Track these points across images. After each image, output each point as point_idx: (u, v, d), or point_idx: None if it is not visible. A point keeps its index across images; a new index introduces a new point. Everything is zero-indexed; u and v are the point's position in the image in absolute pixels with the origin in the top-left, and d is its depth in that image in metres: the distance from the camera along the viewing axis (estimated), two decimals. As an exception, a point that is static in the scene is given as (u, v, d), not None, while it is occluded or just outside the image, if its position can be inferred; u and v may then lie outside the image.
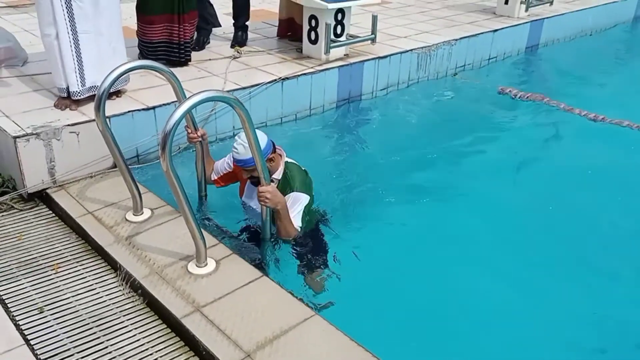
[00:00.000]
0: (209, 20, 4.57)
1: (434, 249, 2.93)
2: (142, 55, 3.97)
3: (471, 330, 2.42)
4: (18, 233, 2.67)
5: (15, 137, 2.78)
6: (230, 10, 4.65)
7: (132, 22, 4.00)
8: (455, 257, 2.86)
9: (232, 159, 2.74)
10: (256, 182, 2.61)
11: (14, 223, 2.75)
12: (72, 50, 3.02)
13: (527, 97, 4.99)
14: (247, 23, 4.66)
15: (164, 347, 2.05)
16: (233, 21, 4.64)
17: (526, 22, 6.01)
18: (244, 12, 4.60)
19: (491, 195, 3.46)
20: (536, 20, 6.12)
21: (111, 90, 3.15)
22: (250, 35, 4.76)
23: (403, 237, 3.03)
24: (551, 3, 6.38)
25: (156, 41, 3.87)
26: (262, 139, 2.57)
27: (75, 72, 3.06)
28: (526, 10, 6.09)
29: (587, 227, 3.19)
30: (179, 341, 2.08)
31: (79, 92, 3.11)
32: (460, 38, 5.28)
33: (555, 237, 3.09)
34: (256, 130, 2.40)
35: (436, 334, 2.37)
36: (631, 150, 4.15)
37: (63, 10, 2.93)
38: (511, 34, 5.85)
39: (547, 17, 6.25)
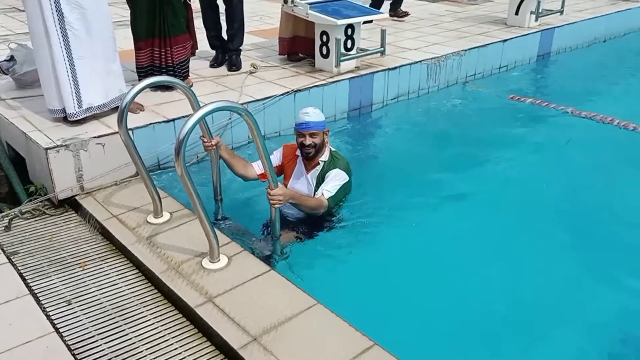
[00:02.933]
0: (227, 39, 4.78)
1: (444, 252, 3.00)
2: (139, 79, 4.05)
3: (475, 325, 2.50)
4: (49, 235, 2.91)
5: (46, 149, 3.03)
6: (251, 28, 4.82)
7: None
8: (464, 259, 2.94)
9: (281, 152, 3.19)
10: (313, 152, 3.03)
11: (46, 227, 3.00)
12: (68, 75, 3.21)
13: (538, 103, 5.10)
14: (240, 47, 4.74)
15: (180, 334, 2.24)
16: (228, 44, 4.69)
17: (537, 32, 6.14)
18: (239, 36, 4.68)
19: (502, 201, 3.54)
20: (547, 29, 6.24)
21: (108, 108, 3.44)
22: (265, 51, 4.99)
23: (412, 241, 3.12)
24: (561, 12, 6.49)
25: (145, 65, 3.98)
26: (321, 115, 3.06)
27: (72, 94, 3.25)
28: (536, 20, 6.22)
29: (600, 230, 3.25)
30: (193, 328, 2.27)
31: (75, 114, 3.29)
32: (470, 48, 5.43)
33: (569, 241, 3.14)
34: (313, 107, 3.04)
35: (436, 325, 2.49)
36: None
37: (58, 36, 3.13)
38: (521, 44, 5.98)
39: (558, 26, 6.36)
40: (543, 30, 6.20)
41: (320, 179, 3.07)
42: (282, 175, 3.22)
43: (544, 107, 5.04)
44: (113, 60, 3.47)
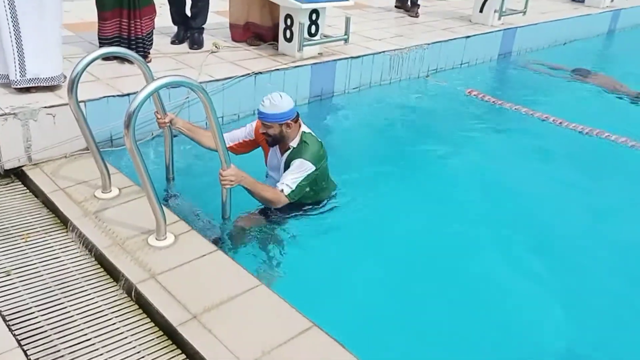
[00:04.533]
0: (190, 16, 4.73)
1: (391, 245, 3.03)
2: None
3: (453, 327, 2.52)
4: (-8, 205, 2.84)
5: (-7, 116, 2.95)
6: (217, 8, 4.78)
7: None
8: (411, 252, 2.98)
9: (253, 126, 3.08)
10: (271, 141, 2.94)
11: (-11, 196, 2.93)
12: (11, 40, 3.10)
13: (493, 101, 5.22)
14: (203, 26, 4.69)
15: (120, 310, 2.23)
16: (191, 21, 4.63)
17: (499, 30, 6.26)
18: (203, 13, 4.62)
19: (451, 194, 3.60)
20: (509, 28, 6.37)
21: (57, 83, 3.32)
22: (229, 32, 4.94)
23: (360, 229, 3.14)
24: (524, 13, 6.62)
25: (110, 37, 3.91)
26: (289, 103, 2.88)
27: (14, 62, 3.15)
28: (499, 18, 6.33)
29: (550, 226, 3.35)
30: (133, 304, 2.26)
31: (17, 82, 3.19)
32: (433, 42, 5.51)
33: (522, 236, 3.20)
34: (283, 94, 2.89)
35: (377, 313, 2.55)
36: (585, 153, 4.38)
37: (5, 5, 3.03)
38: (484, 41, 6.10)
39: (520, 26, 6.50)
40: (505, 29, 6.33)
41: (287, 167, 2.97)
42: (263, 155, 3.16)
43: (500, 105, 5.16)
44: (59, 29, 3.32)
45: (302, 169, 2.89)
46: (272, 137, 2.91)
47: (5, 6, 3.05)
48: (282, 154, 3.02)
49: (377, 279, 2.75)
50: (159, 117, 2.97)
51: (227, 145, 2.99)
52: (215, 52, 4.51)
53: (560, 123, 4.82)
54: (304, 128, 3.00)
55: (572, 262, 3.03)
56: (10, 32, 3.10)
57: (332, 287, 2.64)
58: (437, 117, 5.01)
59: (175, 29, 4.72)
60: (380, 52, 5.00)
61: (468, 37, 5.87)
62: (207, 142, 3.05)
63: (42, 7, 3.14)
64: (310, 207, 3.09)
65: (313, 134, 3.02)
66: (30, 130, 3.07)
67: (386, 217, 3.31)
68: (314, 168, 2.91)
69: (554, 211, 3.51)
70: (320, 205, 3.16)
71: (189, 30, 4.65)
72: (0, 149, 3.00)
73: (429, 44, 5.43)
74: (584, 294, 2.80)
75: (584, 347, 2.50)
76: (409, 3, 6.77)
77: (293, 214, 3.05)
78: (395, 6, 6.91)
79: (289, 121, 2.87)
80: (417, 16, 6.57)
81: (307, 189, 2.96)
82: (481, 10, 6.37)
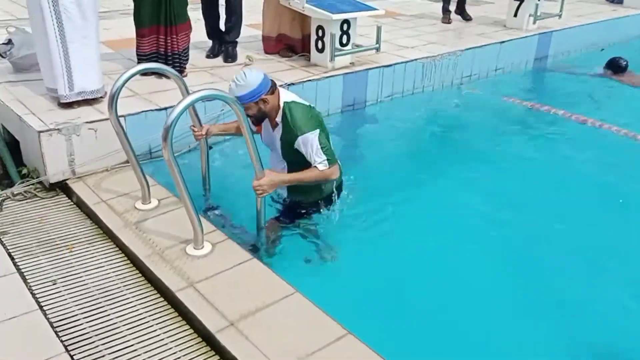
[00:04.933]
0: (224, 31, 4.84)
1: (430, 252, 3.02)
2: None
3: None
4: (39, 217, 2.96)
5: (39, 132, 3.09)
6: (250, 21, 4.88)
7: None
8: (451, 260, 2.97)
9: None
10: (255, 121, 2.83)
11: (37, 209, 3.05)
12: (60, 57, 3.27)
13: (530, 105, 5.15)
14: (237, 39, 4.78)
15: (160, 317, 2.30)
16: (225, 36, 4.74)
17: (534, 35, 6.18)
18: (237, 28, 4.72)
19: (490, 202, 3.54)
20: (545, 32, 6.28)
21: (92, 97, 3.49)
22: (261, 45, 5.03)
23: (398, 239, 3.13)
24: (560, 16, 6.52)
25: (148, 53, 4.05)
26: (257, 78, 2.69)
27: (64, 77, 3.32)
28: (534, 22, 6.25)
29: (590, 234, 3.26)
30: (173, 312, 2.32)
31: (65, 96, 3.36)
32: (466, 49, 5.48)
33: (561, 243, 3.14)
34: (248, 70, 2.71)
35: (412, 320, 2.53)
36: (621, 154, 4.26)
37: (52, 18, 3.21)
38: (519, 46, 6.03)
39: (556, 30, 6.40)
40: (541, 33, 6.24)
41: (288, 146, 2.83)
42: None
43: (537, 110, 5.09)
44: (98, 46, 3.50)
45: (309, 141, 2.74)
46: (254, 117, 2.79)
47: (53, 23, 3.23)
48: (273, 130, 2.91)
49: (413, 286, 2.75)
50: (196, 130, 3.05)
51: (254, 130, 2.92)
52: (248, 64, 4.61)
53: (600, 126, 4.71)
54: (285, 97, 2.82)
55: (621, 277, 2.94)
56: (59, 48, 3.28)
57: (366, 295, 2.65)
58: (472, 123, 4.97)
59: (210, 43, 4.85)
60: (412, 60, 5.00)
61: (502, 42, 5.81)
62: (237, 132, 3.06)
63: (86, 23, 3.32)
64: (342, 208, 3.09)
65: (297, 100, 2.85)
66: (73, 145, 3.20)
67: (420, 225, 3.28)
68: (316, 131, 2.76)
69: (597, 220, 3.43)
70: (351, 207, 3.17)
71: (224, 44, 4.76)
72: (46, 164, 3.13)
73: (462, 51, 5.41)
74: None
75: None
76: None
77: (324, 219, 3.08)
78: (455, 12, 6.83)
79: (263, 96, 2.72)
80: (470, 19, 6.57)
81: (326, 143, 2.81)
82: (515, 15, 6.31)
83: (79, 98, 3.42)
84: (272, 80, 2.79)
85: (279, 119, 2.83)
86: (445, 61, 5.26)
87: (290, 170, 2.90)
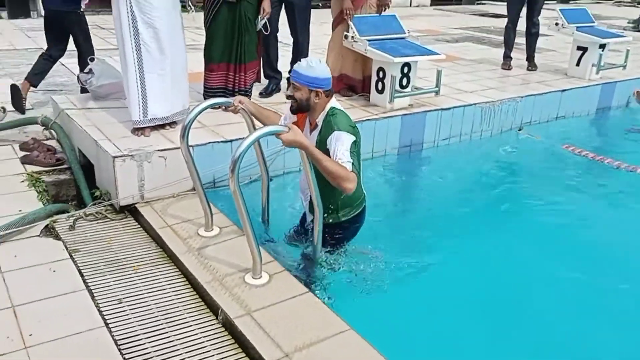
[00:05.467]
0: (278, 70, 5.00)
1: (483, 296, 3.02)
2: (205, 98, 4.29)
3: None
4: (108, 238, 3.13)
5: (114, 157, 3.29)
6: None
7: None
8: (505, 303, 2.96)
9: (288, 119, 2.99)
10: (295, 107, 2.82)
11: (106, 230, 3.23)
12: (137, 86, 3.56)
13: (592, 156, 5.05)
14: None
15: (218, 343, 2.37)
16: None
17: (597, 84, 6.10)
18: None
19: (545, 257, 3.46)
20: (608, 83, 6.19)
21: (170, 121, 3.75)
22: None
23: (450, 279, 3.14)
24: (624, 67, 6.42)
25: (215, 87, 4.27)
26: (326, 72, 2.76)
27: (139, 104, 3.59)
28: (597, 72, 6.18)
29: None
30: (230, 339, 2.39)
31: (139, 122, 3.62)
32: (527, 95, 5.47)
33: (614, 300, 3.07)
34: (323, 61, 2.78)
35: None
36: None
37: (133, 51, 3.51)
38: (580, 95, 5.96)
39: (620, 81, 6.30)
40: (604, 83, 6.16)
41: (323, 140, 2.76)
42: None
43: (598, 161, 4.99)
44: (181, 79, 3.77)
45: (342, 138, 2.66)
46: (297, 102, 2.79)
47: (134, 55, 3.51)
48: (311, 133, 2.89)
49: (469, 327, 2.73)
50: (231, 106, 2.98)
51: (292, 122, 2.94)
52: (310, 102, 4.74)
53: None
54: (334, 104, 2.84)
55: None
56: (136, 78, 3.55)
57: (422, 334, 2.65)
58: (530, 170, 4.93)
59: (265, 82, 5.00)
60: (471, 104, 5.03)
61: (564, 90, 5.77)
62: (266, 122, 3.04)
63: (164, 57, 3.58)
64: (394, 246, 3.10)
65: (345, 112, 2.85)
66: (144, 170, 3.38)
67: (474, 270, 3.26)
68: (352, 137, 2.70)
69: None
70: (404, 245, 3.19)
71: (279, 84, 4.93)
72: (118, 188, 3.32)
73: (522, 97, 5.40)
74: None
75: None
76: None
77: (376, 257, 3.13)
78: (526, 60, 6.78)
79: (319, 90, 2.75)
80: (535, 69, 6.57)
81: (359, 164, 2.76)
82: (578, 64, 6.26)
83: (151, 124, 3.66)
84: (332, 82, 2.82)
85: (320, 120, 2.82)
86: (504, 107, 5.27)
87: (319, 181, 2.74)
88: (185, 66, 3.82)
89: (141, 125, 3.63)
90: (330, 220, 2.95)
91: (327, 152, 2.68)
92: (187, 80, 3.85)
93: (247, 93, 4.31)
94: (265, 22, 4.27)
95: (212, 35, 4.19)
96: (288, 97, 2.85)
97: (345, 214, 2.96)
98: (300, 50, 4.85)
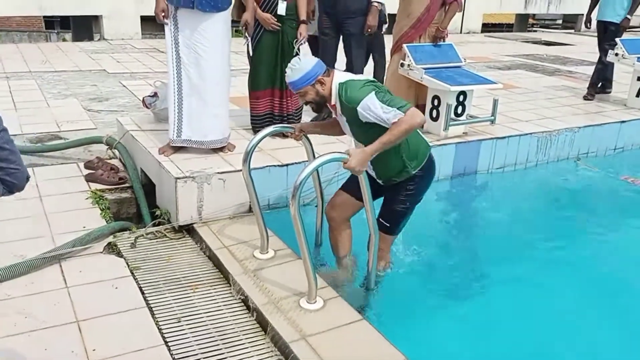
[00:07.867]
0: None
1: (539, 329, 2.95)
2: (252, 126, 4.37)
3: None
4: (167, 256, 3.23)
5: (176, 178, 3.40)
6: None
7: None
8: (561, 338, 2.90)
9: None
10: (316, 107, 2.85)
11: (165, 249, 3.33)
12: (175, 107, 3.71)
13: (653, 189, 4.88)
14: None
15: (273, 365, 2.41)
16: None
17: (659, 115, 5.90)
18: None
19: (599, 292, 3.37)
20: (670, 113, 5.98)
21: (218, 146, 3.84)
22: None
23: (506, 310, 3.10)
24: (688, 98, 6.20)
25: (262, 114, 4.29)
26: (311, 61, 2.75)
27: (174, 124, 3.73)
28: (659, 103, 5.99)
29: None
30: (284, 361, 2.42)
31: (173, 141, 3.76)
32: (585, 126, 5.35)
33: None
34: (302, 57, 2.81)
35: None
36: None
37: (174, 73, 3.67)
38: (641, 127, 5.78)
39: (684, 112, 6.08)
40: (667, 114, 5.95)
41: (356, 125, 2.76)
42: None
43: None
44: (220, 105, 3.81)
45: (368, 105, 2.62)
46: (315, 103, 2.80)
47: (174, 78, 3.68)
48: (337, 115, 2.90)
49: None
50: (291, 132, 3.08)
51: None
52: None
53: None
54: (339, 79, 2.78)
55: None
56: (174, 99, 3.71)
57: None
58: (587, 201, 4.79)
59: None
60: (527, 134, 4.96)
61: (623, 121, 5.61)
62: (330, 132, 3.13)
63: (204, 83, 3.68)
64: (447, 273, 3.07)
65: (350, 77, 2.80)
66: (203, 192, 3.48)
67: (534, 299, 3.21)
68: (370, 94, 2.63)
69: None
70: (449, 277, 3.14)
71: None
72: (178, 207, 3.43)
73: (579, 127, 5.29)
74: None
75: None
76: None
77: (433, 280, 3.09)
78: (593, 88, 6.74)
79: (319, 77, 2.73)
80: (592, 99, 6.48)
81: (389, 97, 2.66)
82: (638, 95, 6.08)
83: (184, 145, 3.79)
84: (322, 64, 2.80)
85: (335, 100, 2.79)
86: (562, 137, 5.16)
87: (380, 154, 2.71)
88: (226, 92, 3.85)
89: (174, 144, 3.77)
90: (404, 177, 2.90)
91: (366, 127, 2.70)
92: (227, 106, 3.90)
93: (295, 117, 4.35)
94: (300, 46, 4.16)
95: (256, 63, 4.20)
96: (305, 104, 2.88)
97: (414, 166, 2.88)
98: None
